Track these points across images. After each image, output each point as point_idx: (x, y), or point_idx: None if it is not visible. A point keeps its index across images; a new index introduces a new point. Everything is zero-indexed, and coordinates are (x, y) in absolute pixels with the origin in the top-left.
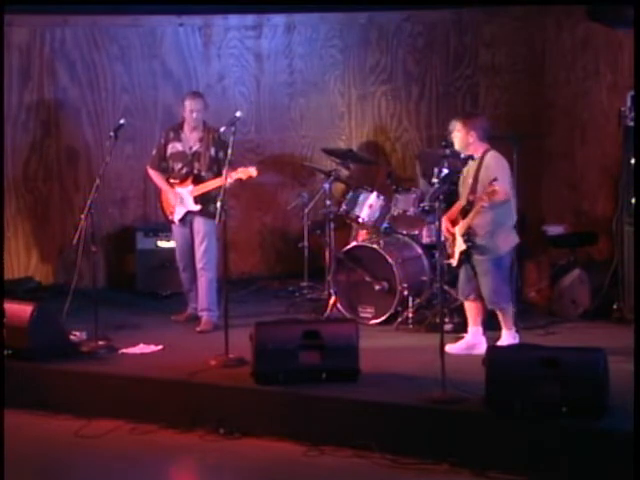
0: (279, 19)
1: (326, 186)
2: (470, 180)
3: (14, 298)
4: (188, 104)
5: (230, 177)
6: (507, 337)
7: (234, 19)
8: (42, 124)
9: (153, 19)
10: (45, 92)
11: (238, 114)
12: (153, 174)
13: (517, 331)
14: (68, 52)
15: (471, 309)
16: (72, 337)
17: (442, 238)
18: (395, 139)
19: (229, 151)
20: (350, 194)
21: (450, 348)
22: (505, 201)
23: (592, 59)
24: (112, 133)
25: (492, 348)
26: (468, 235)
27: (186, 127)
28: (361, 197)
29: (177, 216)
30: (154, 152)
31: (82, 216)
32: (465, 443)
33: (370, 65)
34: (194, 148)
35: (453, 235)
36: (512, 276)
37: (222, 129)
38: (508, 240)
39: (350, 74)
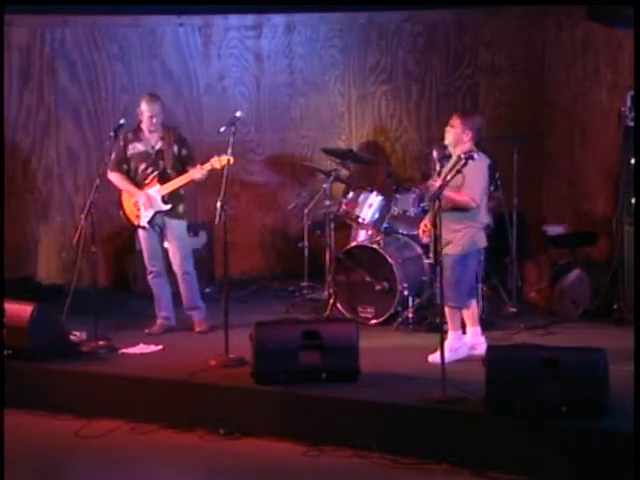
0: (279, 19)
1: (326, 186)
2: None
3: (14, 298)
4: (146, 109)
5: (202, 170)
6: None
7: (234, 19)
8: (42, 124)
9: (153, 19)
10: (45, 92)
11: (238, 114)
12: (115, 176)
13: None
14: (68, 52)
15: (465, 310)
16: (72, 337)
17: (425, 241)
18: (395, 139)
19: (231, 148)
20: (350, 194)
21: (434, 358)
22: (469, 207)
23: (592, 59)
24: (112, 133)
25: (492, 348)
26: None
27: (145, 129)
28: (361, 197)
29: (144, 219)
30: (112, 156)
31: (82, 216)
32: (465, 443)
33: (370, 65)
34: (157, 147)
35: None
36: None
37: (222, 129)
38: (477, 239)
39: (350, 74)
